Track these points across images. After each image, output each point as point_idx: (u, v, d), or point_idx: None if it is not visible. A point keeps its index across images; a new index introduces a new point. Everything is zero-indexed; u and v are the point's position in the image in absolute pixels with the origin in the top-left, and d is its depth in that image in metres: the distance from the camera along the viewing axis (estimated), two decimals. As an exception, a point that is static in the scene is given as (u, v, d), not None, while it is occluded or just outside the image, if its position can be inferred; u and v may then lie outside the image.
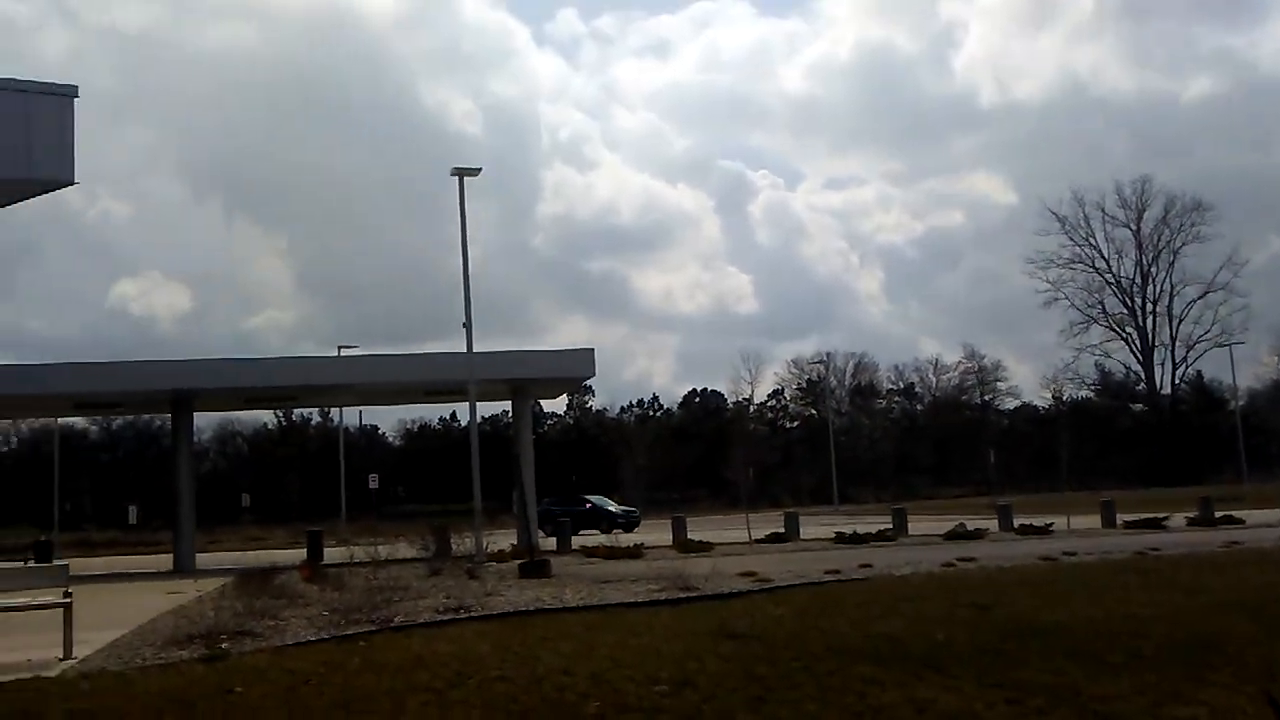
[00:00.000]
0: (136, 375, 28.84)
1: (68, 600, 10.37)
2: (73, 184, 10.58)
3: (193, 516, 31.11)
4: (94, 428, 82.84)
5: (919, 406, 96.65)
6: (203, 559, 30.63)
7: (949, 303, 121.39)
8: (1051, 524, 27.43)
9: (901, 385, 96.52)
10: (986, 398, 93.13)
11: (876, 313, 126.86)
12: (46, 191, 11.70)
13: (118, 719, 7.15)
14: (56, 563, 15.70)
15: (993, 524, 29.16)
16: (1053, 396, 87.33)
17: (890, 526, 28.39)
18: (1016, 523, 28.56)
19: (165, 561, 31.16)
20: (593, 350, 30.90)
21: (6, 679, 8.77)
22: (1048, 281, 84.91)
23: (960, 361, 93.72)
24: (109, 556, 39.71)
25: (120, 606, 15.17)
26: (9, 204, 12.71)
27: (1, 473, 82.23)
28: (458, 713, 7.26)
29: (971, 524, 27.20)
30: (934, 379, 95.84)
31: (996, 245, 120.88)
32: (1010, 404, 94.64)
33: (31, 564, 28.81)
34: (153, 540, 50.38)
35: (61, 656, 10.00)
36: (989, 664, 8.64)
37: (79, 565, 11.39)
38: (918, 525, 30.22)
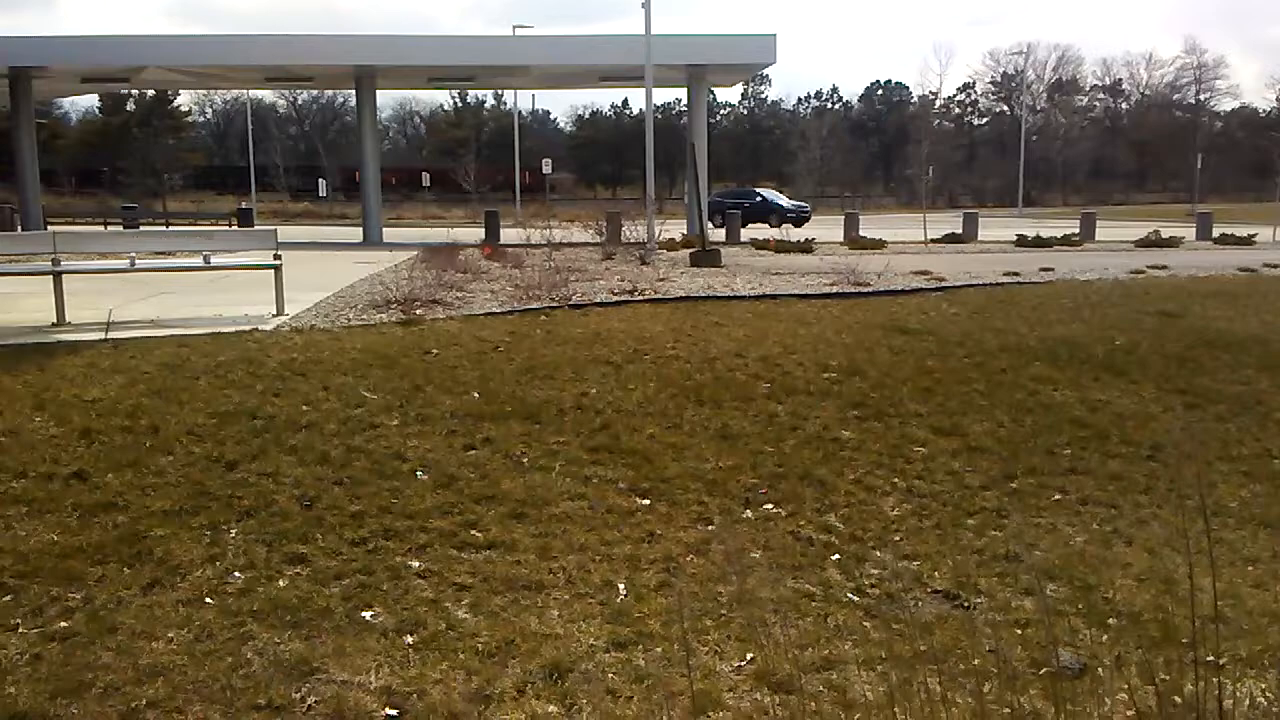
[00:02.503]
0: (324, 49, 29.34)
1: (279, 263, 11.16)
2: None
3: (379, 190, 32.46)
4: (281, 102, 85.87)
5: (1124, 105, 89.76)
6: (389, 233, 32.20)
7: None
8: (1255, 234, 25.80)
9: (1108, 81, 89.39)
10: (1202, 97, 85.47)
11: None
12: None
13: (329, 370, 7.83)
14: (265, 227, 16.78)
15: (1189, 232, 27.62)
16: (1276, 99, 79.55)
17: (1077, 232, 27.24)
18: (1216, 232, 26.94)
19: (355, 234, 32.93)
20: (774, 36, 29.41)
21: (230, 330, 9.68)
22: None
23: (1178, 56, 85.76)
24: (302, 226, 42.14)
25: (319, 272, 16.27)
26: None
27: (197, 143, 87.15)
28: (634, 384, 7.66)
29: (1166, 231, 25.80)
30: (1145, 75, 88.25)
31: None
32: (1228, 106, 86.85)
33: (236, 228, 31.04)
34: (341, 213, 53.19)
35: (274, 313, 10.90)
36: (1172, 371, 8.47)
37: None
38: (1107, 232, 28.92)
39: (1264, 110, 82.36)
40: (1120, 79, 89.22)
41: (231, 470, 5.68)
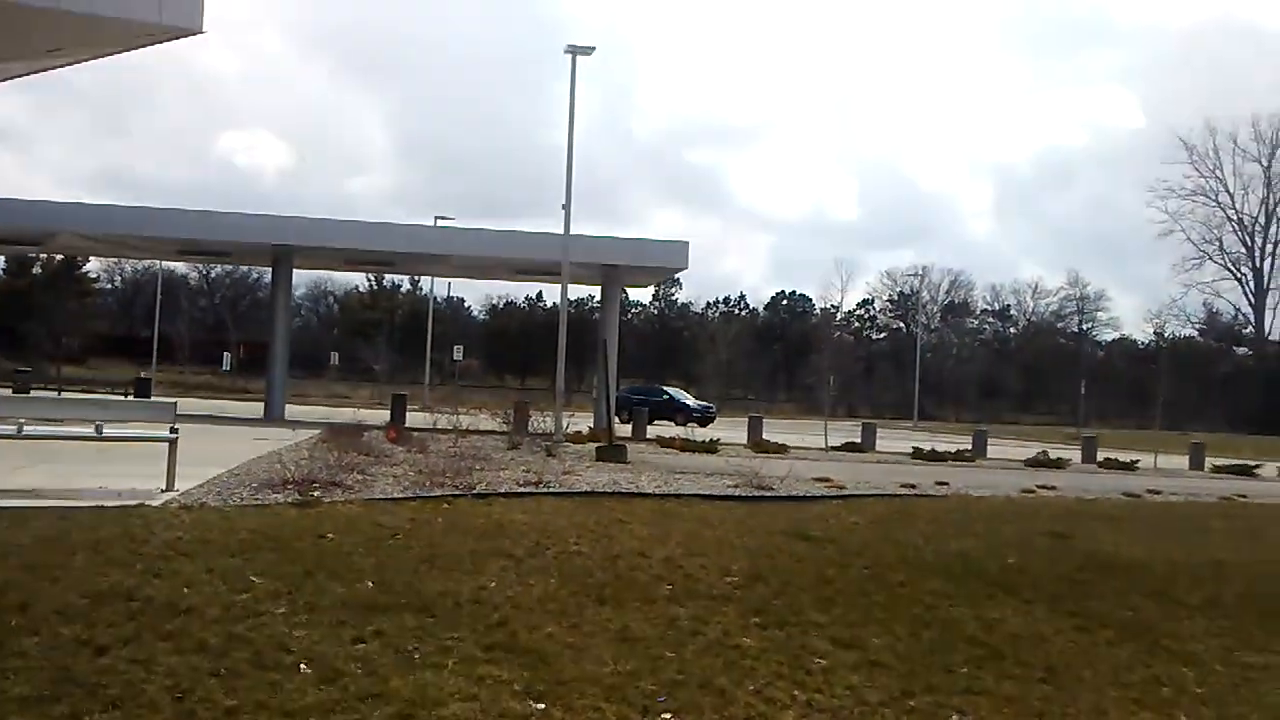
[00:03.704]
0: (244, 227, 29.54)
1: (174, 436, 10.87)
2: (200, 33, 10.65)
3: (286, 368, 32.17)
4: (193, 273, 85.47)
5: (1012, 330, 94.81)
6: (291, 410, 31.73)
7: (1058, 225, 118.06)
8: (1137, 460, 26.91)
9: (997, 306, 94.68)
10: (1085, 327, 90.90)
11: (981, 230, 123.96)
12: (173, 39, 11.78)
13: (216, 551, 7.52)
14: (163, 399, 16.39)
15: (1076, 455, 28.71)
16: (1155, 332, 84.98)
17: (969, 448, 28.11)
18: (1101, 456, 28.04)
19: (256, 409, 32.37)
20: (687, 243, 30.72)
21: (113, 504, 9.29)
22: (1166, 212, 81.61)
23: (1062, 287, 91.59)
24: (202, 399, 41.27)
25: (216, 447, 15.85)
26: (132, 49, 12.87)
27: (103, 310, 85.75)
28: (536, 580, 7.51)
29: (1054, 453, 26.77)
30: (1031, 303, 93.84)
31: (1116, 169, 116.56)
32: (1108, 336, 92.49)
33: (132, 398, 30.19)
34: (243, 387, 52.33)
35: (164, 488, 10.52)
36: (1063, 592, 8.62)
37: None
38: (998, 449, 29.89)
39: (1142, 342, 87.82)
40: (1009, 305, 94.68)
41: (101, 655, 5.34)
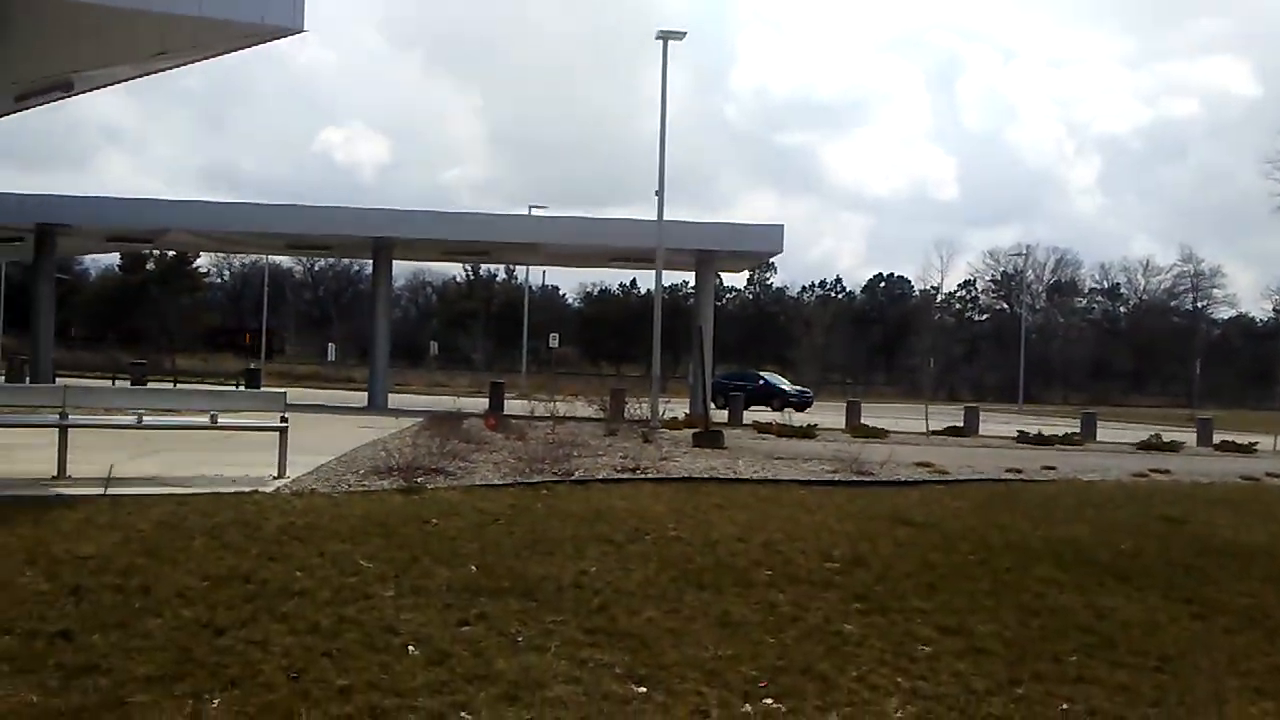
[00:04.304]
0: (346, 220, 30.28)
1: (285, 425, 11.21)
2: (302, 32, 10.94)
3: (387, 358, 32.89)
4: (298, 267, 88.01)
5: (1122, 309, 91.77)
6: (393, 399, 32.41)
7: (1170, 200, 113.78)
8: (1256, 443, 25.80)
9: (1106, 285, 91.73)
10: (1199, 305, 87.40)
11: (1088, 206, 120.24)
12: (275, 39, 12.13)
13: (326, 536, 7.75)
14: (273, 390, 16.92)
15: (1190, 437, 27.67)
16: (1274, 309, 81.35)
17: (1078, 431, 27.32)
18: (1217, 438, 26.97)
19: (359, 398, 33.16)
20: (782, 227, 30.48)
21: (230, 490, 9.63)
22: (1285, 184, 77.80)
23: (1175, 264, 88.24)
24: (308, 389, 42.40)
25: (323, 436, 16.30)
26: (237, 49, 13.29)
27: (212, 303, 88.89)
28: (636, 565, 7.55)
29: (1167, 435, 25.84)
30: (1143, 281, 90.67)
31: (1231, 140, 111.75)
32: (1225, 313, 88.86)
33: (244, 389, 31.26)
34: (347, 377, 53.65)
35: (276, 475, 10.87)
36: (1178, 579, 8.35)
37: (283, 395, 12.55)
38: (1108, 432, 29.00)
39: (1261, 320, 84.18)
40: (1118, 283, 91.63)
41: (219, 636, 5.54)
